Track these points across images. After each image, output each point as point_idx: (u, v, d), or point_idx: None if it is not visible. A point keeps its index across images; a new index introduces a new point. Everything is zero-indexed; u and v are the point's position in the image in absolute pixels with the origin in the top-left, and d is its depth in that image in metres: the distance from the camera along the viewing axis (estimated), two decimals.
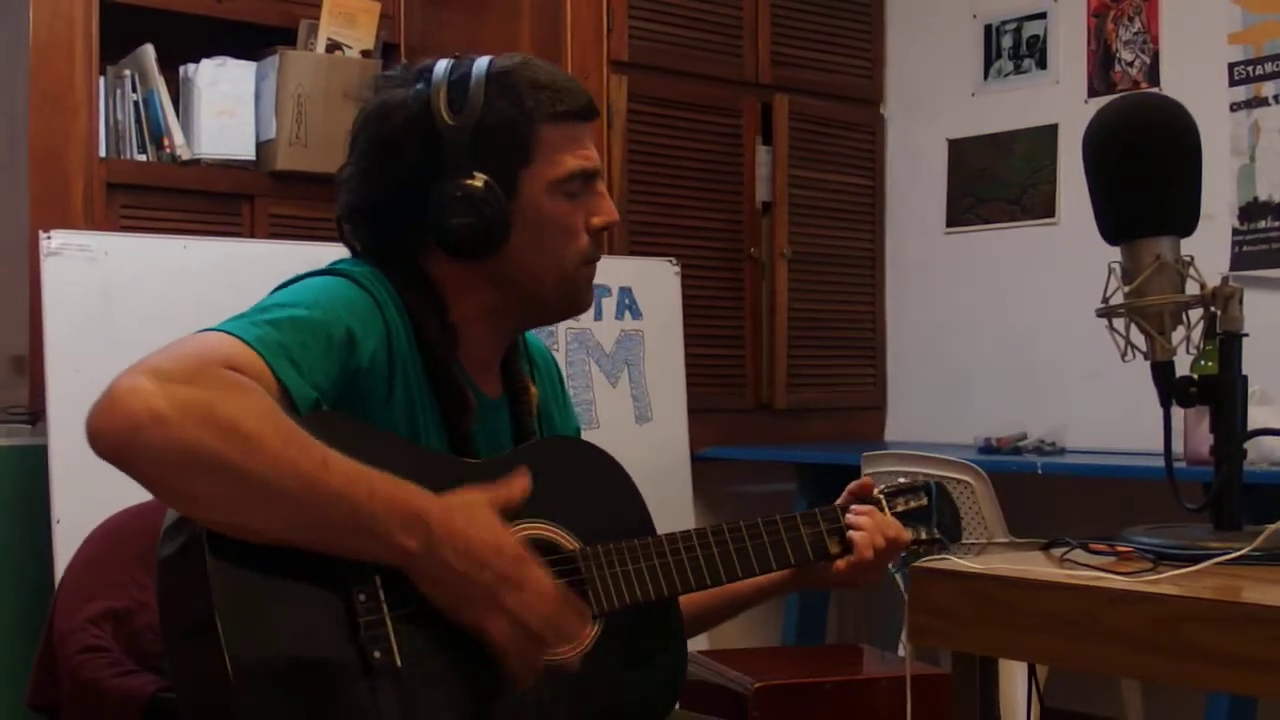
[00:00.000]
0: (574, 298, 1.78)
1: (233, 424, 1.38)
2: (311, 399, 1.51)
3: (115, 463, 1.39)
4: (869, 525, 1.89)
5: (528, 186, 1.70)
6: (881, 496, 1.96)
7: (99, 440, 1.38)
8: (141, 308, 3.26)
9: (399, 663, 1.48)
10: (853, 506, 1.92)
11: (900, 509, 1.95)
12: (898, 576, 2.36)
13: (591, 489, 1.76)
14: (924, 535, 1.91)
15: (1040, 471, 3.91)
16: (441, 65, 1.72)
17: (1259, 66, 4.13)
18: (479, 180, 1.66)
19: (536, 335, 1.95)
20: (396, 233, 1.72)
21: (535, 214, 1.71)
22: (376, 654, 1.46)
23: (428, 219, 1.68)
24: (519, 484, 1.57)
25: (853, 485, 1.97)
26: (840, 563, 1.88)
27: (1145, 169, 1.65)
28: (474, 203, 1.66)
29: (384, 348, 1.62)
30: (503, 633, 1.50)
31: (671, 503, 3.99)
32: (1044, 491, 4.16)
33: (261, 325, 1.51)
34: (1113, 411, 4.22)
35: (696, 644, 2.52)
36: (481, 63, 1.71)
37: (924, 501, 1.96)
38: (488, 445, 1.73)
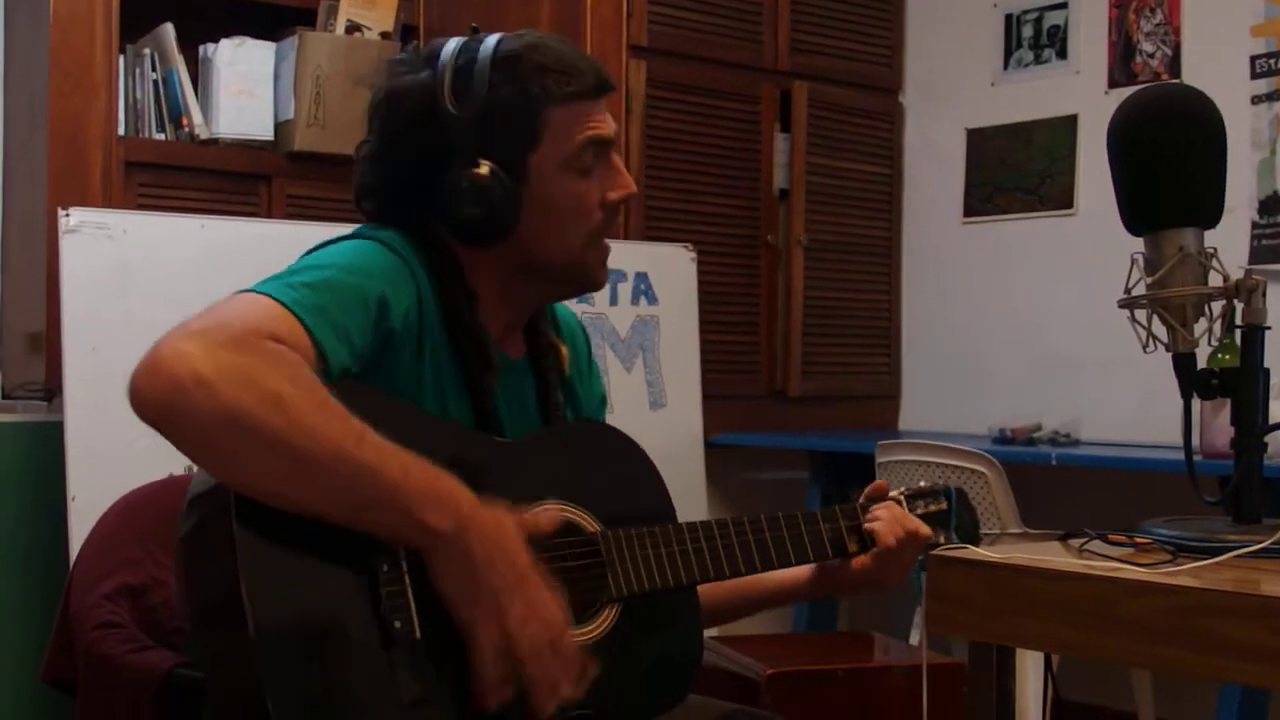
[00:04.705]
0: (585, 278, 1.78)
1: (275, 392, 1.39)
2: (346, 362, 1.53)
3: (157, 425, 1.40)
4: (887, 516, 1.89)
5: (537, 170, 1.70)
6: (901, 497, 1.95)
7: (142, 402, 1.40)
8: (158, 286, 3.27)
9: (419, 634, 1.48)
10: (871, 506, 1.93)
11: (920, 512, 1.94)
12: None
13: (616, 474, 1.76)
14: (942, 539, 1.90)
15: (1054, 463, 3.90)
16: (450, 48, 1.71)
17: None
18: (485, 169, 1.66)
19: (567, 307, 1.94)
20: (407, 218, 1.72)
21: (545, 198, 1.71)
22: (397, 624, 1.47)
23: (437, 207, 1.68)
24: (549, 519, 1.58)
25: (868, 489, 1.97)
26: (863, 558, 1.88)
27: (1171, 160, 1.65)
28: (481, 193, 1.66)
29: (415, 310, 1.63)
30: (490, 644, 1.47)
31: (684, 488, 3.99)
32: (1057, 483, 4.16)
33: (299, 288, 1.52)
34: (1127, 404, 4.21)
35: (708, 630, 2.52)
36: (488, 46, 1.70)
37: (943, 505, 1.95)
38: (510, 407, 1.74)
